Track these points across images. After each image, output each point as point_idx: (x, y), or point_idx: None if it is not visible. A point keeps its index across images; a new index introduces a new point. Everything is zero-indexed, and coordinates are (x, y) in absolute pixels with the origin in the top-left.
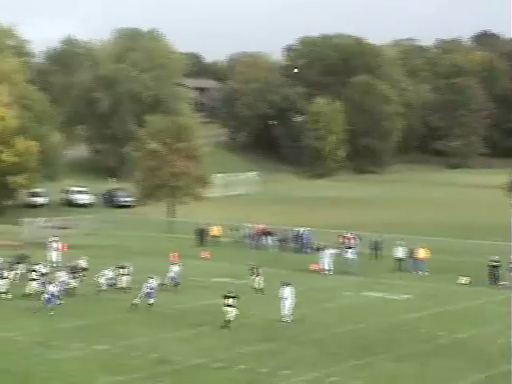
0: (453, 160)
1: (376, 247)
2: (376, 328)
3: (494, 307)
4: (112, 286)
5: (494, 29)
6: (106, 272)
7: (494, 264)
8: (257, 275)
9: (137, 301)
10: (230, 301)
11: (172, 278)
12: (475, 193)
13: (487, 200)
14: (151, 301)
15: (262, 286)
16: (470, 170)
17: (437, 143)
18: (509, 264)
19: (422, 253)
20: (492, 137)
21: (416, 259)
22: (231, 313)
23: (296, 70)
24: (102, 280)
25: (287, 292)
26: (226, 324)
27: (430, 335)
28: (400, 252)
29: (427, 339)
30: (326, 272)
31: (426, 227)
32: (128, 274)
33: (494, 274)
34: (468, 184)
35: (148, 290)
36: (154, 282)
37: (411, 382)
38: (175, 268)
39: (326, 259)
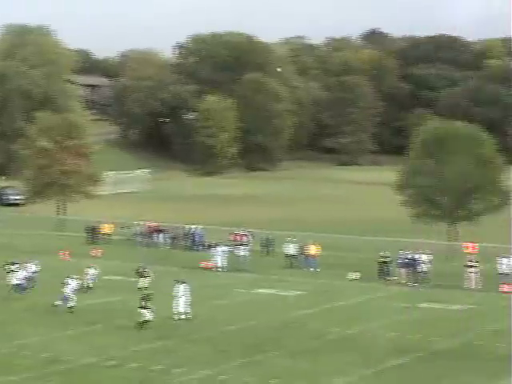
0: (343, 157)
1: (267, 244)
2: (267, 325)
3: (383, 302)
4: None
5: (383, 28)
6: (16, 274)
7: (384, 260)
8: (142, 276)
9: (58, 303)
10: (146, 303)
11: (91, 280)
12: (365, 190)
13: (377, 197)
14: (71, 303)
15: (146, 285)
16: (359, 167)
17: (327, 141)
18: (398, 260)
19: (312, 249)
20: (381, 134)
21: (307, 256)
22: (146, 315)
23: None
24: (13, 280)
25: (181, 290)
26: (141, 325)
27: (321, 331)
28: (291, 249)
29: (318, 335)
30: (219, 269)
31: (316, 224)
32: (17, 272)
33: (383, 270)
34: (358, 181)
35: (68, 292)
36: (73, 282)
37: (302, 379)
38: (91, 271)
39: (219, 257)
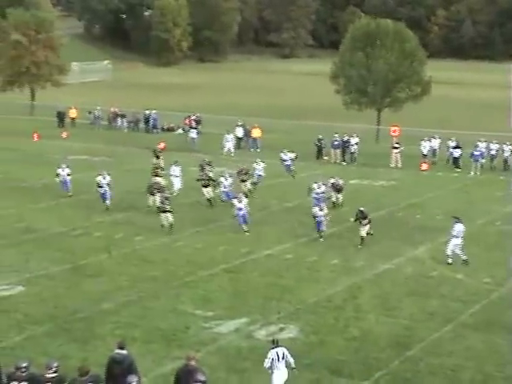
0: (284, 51)
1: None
2: (214, 200)
3: (319, 179)
4: None
5: None
6: None
7: (320, 142)
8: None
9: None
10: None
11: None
12: (304, 80)
13: (314, 86)
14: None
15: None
16: (298, 59)
17: (270, 36)
18: (333, 142)
19: (256, 132)
20: (317, 30)
21: (251, 138)
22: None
23: None
24: None
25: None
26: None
27: (263, 204)
28: (240, 132)
29: (261, 208)
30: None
31: (260, 110)
32: None
33: (319, 151)
34: (298, 72)
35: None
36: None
37: (246, 246)
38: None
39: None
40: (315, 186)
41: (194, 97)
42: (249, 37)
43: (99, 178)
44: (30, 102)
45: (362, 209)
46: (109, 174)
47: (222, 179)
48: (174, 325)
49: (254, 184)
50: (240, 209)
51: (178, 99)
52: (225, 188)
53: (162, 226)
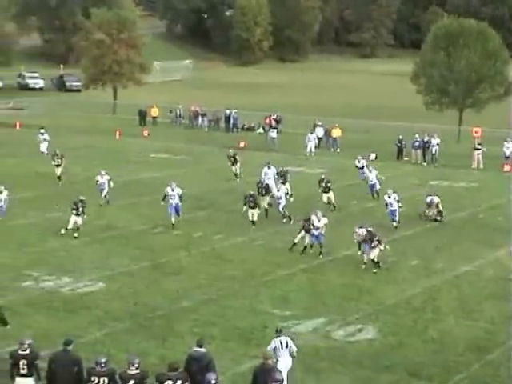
0: (364, 51)
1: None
2: (295, 200)
3: (399, 179)
4: None
5: None
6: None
7: (401, 142)
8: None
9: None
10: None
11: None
12: (384, 80)
13: (395, 86)
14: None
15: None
16: (379, 59)
17: (350, 35)
18: (414, 142)
19: (335, 132)
20: (398, 30)
21: (331, 138)
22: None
23: None
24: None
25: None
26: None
27: (342, 205)
28: (320, 132)
29: (338, 208)
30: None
31: (340, 110)
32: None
33: (400, 151)
34: (378, 72)
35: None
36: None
37: (326, 244)
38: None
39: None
40: (386, 197)
41: (274, 96)
42: (329, 36)
43: (167, 190)
44: (112, 100)
45: (370, 229)
46: (178, 186)
47: (274, 191)
48: (252, 324)
49: (377, 194)
50: (317, 228)
51: (259, 98)
52: (278, 200)
53: (295, 244)
